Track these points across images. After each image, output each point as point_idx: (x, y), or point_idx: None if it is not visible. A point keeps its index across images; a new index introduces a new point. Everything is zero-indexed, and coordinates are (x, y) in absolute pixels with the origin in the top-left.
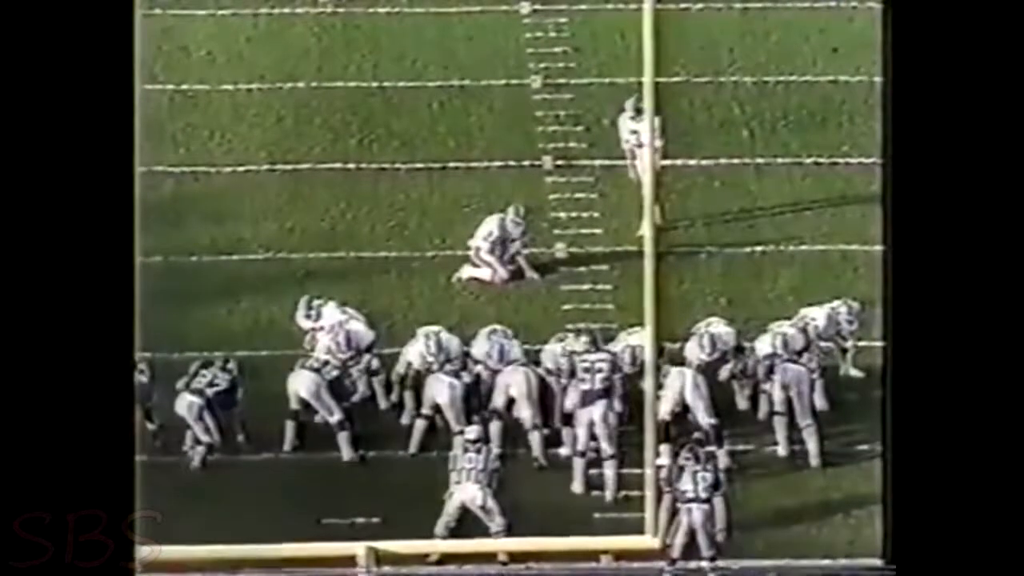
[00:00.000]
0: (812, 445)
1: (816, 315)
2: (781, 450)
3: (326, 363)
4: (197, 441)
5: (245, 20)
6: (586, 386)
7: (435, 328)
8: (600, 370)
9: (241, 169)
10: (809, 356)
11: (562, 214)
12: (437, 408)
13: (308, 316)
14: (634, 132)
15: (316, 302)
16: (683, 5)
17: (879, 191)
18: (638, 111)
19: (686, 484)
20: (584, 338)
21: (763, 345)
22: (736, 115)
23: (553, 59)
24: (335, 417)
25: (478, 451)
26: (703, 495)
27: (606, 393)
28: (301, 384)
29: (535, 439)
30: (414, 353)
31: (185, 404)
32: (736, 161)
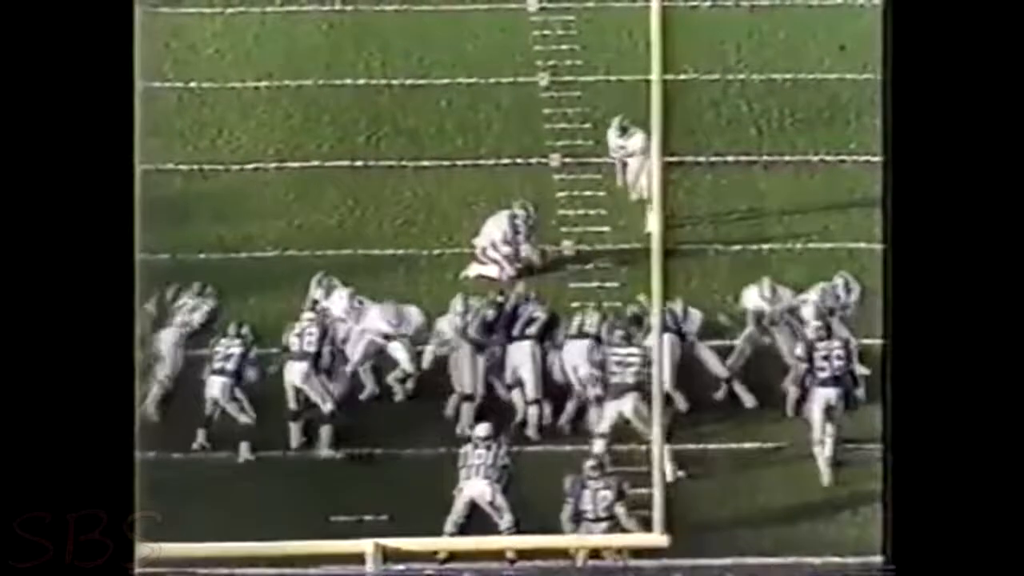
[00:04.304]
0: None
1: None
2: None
3: (318, 354)
4: (208, 439)
5: (253, 18)
6: (616, 379)
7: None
8: (631, 364)
9: (250, 167)
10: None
11: (570, 211)
12: (519, 381)
13: (320, 286)
14: (621, 147)
15: (331, 279)
16: (691, 3)
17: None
18: (623, 129)
19: (586, 503)
20: (619, 332)
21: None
22: (744, 113)
23: (560, 57)
24: (327, 406)
25: (488, 447)
26: (603, 514)
27: (638, 387)
28: (295, 374)
29: (532, 413)
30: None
31: (217, 386)
32: (744, 158)
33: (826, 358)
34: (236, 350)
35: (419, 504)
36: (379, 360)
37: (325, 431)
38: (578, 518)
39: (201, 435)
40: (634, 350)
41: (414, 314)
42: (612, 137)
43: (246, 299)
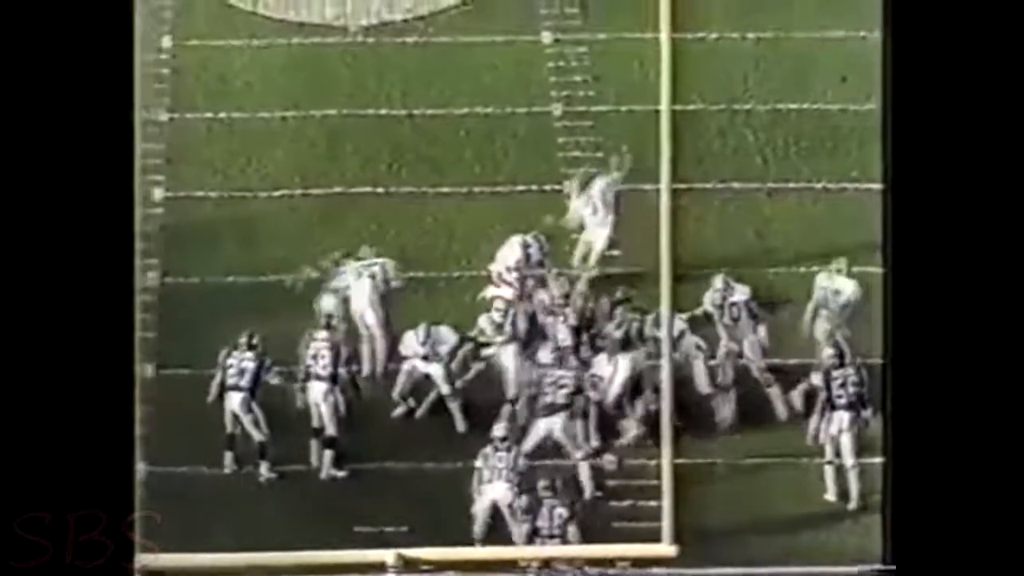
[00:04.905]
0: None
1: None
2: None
3: (334, 375)
4: (235, 461)
5: (279, 50)
6: (548, 399)
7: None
8: (564, 386)
9: (276, 193)
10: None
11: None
12: (594, 382)
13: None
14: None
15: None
16: (698, 35)
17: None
18: (583, 186)
19: (542, 520)
20: (553, 354)
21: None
22: (749, 142)
23: (573, 87)
24: (330, 429)
25: (508, 449)
26: (556, 531)
27: (567, 407)
28: (315, 393)
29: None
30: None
31: (236, 401)
32: (750, 186)
33: (842, 385)
34: (250, 364)
35: (441, 514)
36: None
37: (328, 454)
38: (534, 534)
39: (228, 457)
40: (566, 372)
41: (446, 333)
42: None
43: (270, 320)
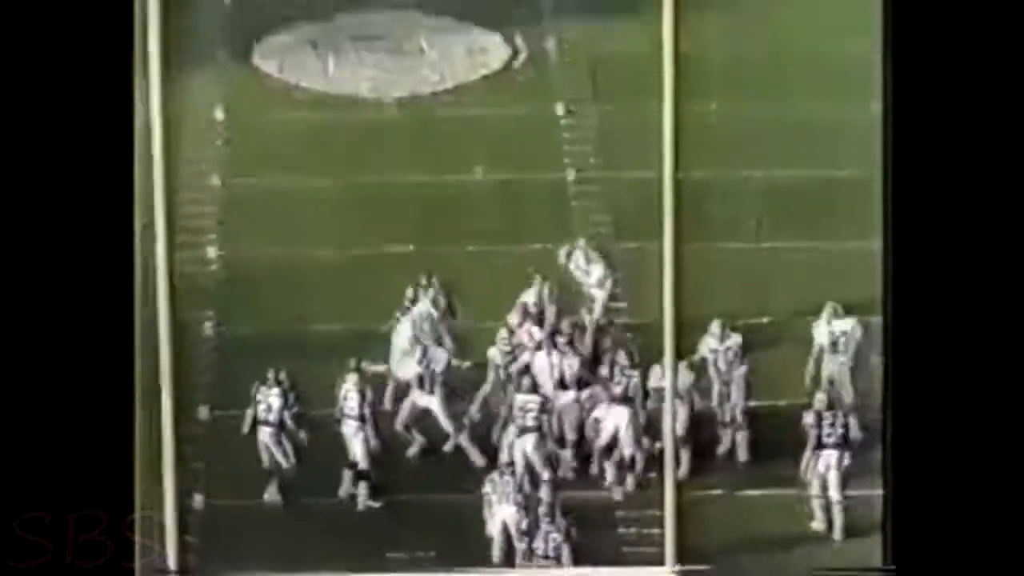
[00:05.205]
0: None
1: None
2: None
3: (362, 416)
4: (270, 473)
5: (320, 120)
6: (519, 422)
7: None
8: (531, 410)
9: (320, 251)
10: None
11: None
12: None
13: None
14: (585, 274)
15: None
16: (701, 105)
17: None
18: (568, 255)
19: (538, 542)
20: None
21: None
22: (750, 204)
23: (584, 155)
24: (363, 464)
25: (512, 473)
26: (552, 553)
27: (537, 430)
28: (347, 428)
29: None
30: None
31: (267, 434)
32: (749, 246)
33: (832, 424)
34: (275, 401)
35: (463, 539)
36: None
37: (363, 486)
38: (531, 555)
39: (272, 488)
40: (534, 397)
41: (440, 353)
42: (572, 270)
43: (309, 364)
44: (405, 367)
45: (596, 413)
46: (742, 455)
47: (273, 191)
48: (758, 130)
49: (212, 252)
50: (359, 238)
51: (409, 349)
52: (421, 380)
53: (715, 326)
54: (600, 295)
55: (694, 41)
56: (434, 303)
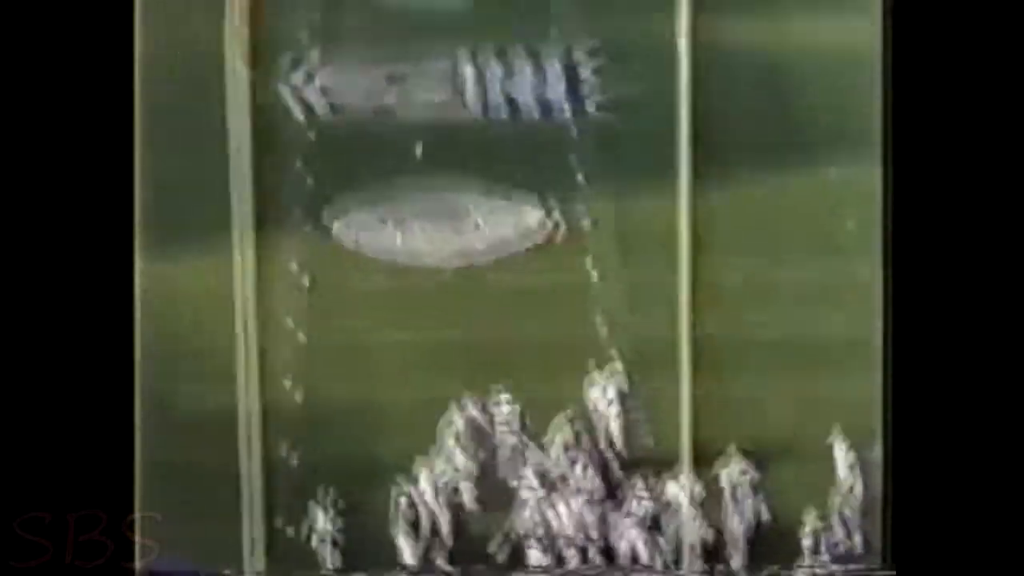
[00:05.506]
0: None
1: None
2: None
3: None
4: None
5: (388, 284)
6: None
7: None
8: None
9: (384, 394)
10: None
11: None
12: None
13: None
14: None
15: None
16: (722, 274)
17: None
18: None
19: None
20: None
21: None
22: (764, 367)
23: (613, 314)
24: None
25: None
26: None
27: None
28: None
29: None
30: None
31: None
32: (767, 390)
33: (835, 545)
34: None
35: None
36: None
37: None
38: None
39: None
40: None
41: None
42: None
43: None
44: None
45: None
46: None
47: (348, 342)
48: (771, 288)
49: (299, 397)
50: (423, 382)
51: None
52: None
53: (735, 457)
54: (618, 424)
55: (702, 213)
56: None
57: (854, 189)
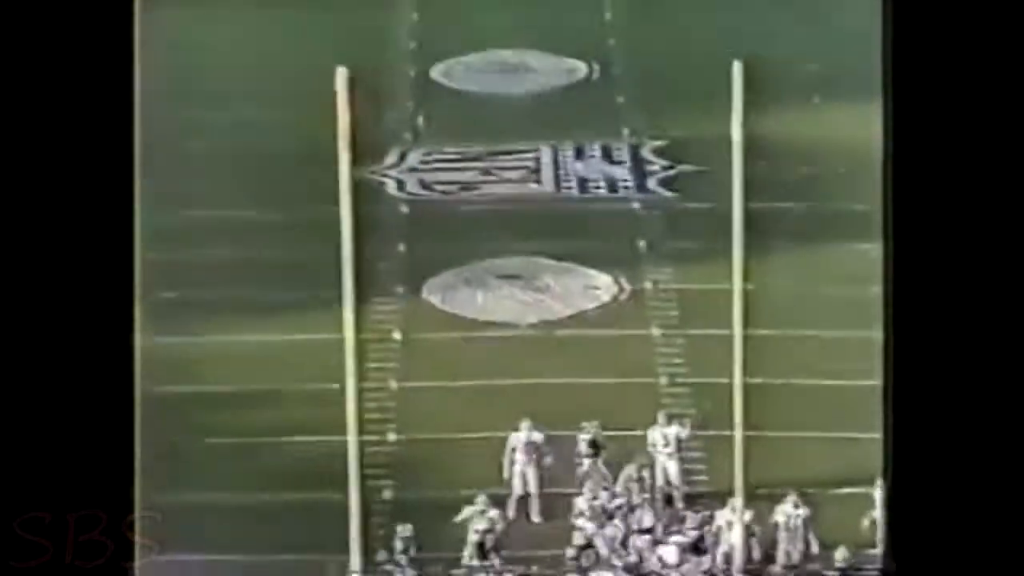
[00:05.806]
0: None
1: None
2: None
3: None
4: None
5: (471, 339)
6: None
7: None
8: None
9: (471, 435)
10: None
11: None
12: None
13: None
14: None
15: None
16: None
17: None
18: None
19: None
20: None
21: None
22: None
23: (676, 365)
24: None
25: None
26: None
27: None
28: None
29: None
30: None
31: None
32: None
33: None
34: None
35: None
36: None
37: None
38: None
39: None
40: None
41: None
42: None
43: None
44: None
45: (661, 552)
46: None
47: (441, 391)
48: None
49: (392, 436)
50: (502, 423)
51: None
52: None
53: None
54: (674, 466)
55: (756, 280)
56: None
57: (873, 260)
